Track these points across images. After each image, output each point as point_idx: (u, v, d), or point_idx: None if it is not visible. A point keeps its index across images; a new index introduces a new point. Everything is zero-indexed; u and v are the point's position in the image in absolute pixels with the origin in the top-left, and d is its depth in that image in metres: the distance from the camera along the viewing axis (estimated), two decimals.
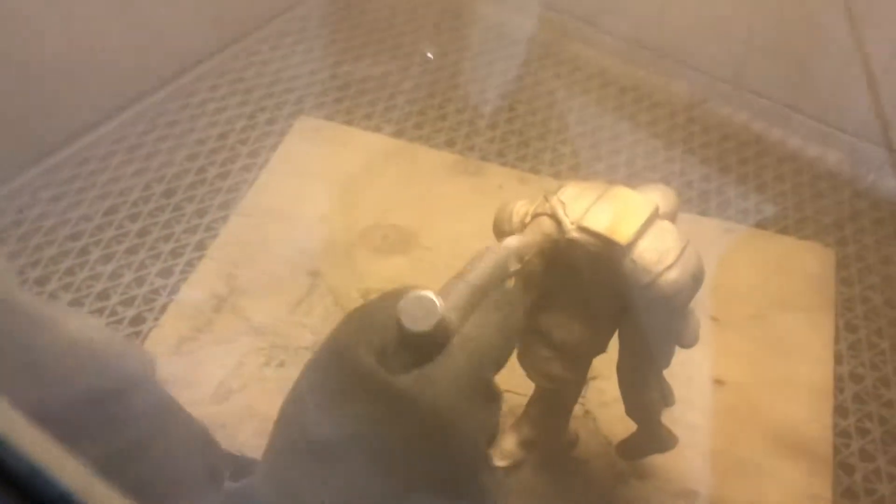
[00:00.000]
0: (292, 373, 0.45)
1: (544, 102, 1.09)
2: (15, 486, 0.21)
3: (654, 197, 0.56)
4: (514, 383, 0.70)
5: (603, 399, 0.76)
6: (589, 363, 0.63)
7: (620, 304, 0.57)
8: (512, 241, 0.51)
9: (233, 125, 1.04)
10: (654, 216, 0.55)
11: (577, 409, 0.69)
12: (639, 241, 0.54)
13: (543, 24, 1.19)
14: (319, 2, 1.23)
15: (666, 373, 0.61)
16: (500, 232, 0.60)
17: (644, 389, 0.61)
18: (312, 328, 0.81)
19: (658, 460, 0.70)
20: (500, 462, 0.66)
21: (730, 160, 1.03)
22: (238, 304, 0.84)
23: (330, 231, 0.91)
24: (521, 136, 1.05)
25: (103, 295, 0.86)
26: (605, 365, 0.63)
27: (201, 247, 0.90)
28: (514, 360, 0.63)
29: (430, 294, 0.39)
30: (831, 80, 1.00)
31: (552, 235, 0.56)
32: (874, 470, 0.75)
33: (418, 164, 0.99)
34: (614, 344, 0.61)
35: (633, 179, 0.99)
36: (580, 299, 0.58)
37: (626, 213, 0.54)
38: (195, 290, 0.85)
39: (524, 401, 0.67)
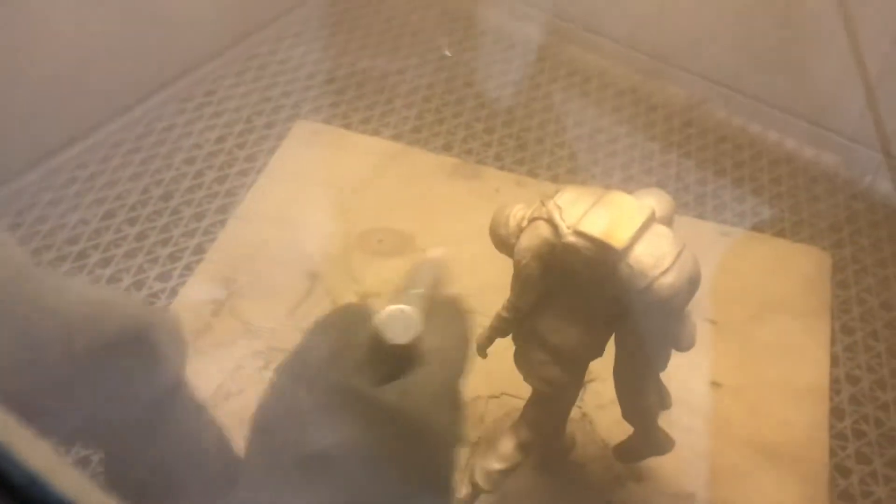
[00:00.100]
0: None
1: (542, 106, 1.10)
2: (13, 494, 0.21)
3: (650, 201, 0.57)
4: (512, 386, 0.70)
5: (600, 402, 0.76)
6: (585, 367, 0.63)
7: (617, 308, 0.57)
8: (438, 251, 0.53)
9: (230, 129, 1.04)
10: (651, 221, 0.55)
11: (575, 412, 0.69)
12: (635, 245, 0.54)
13: (541, 28, 1.19)
14: (316, 7, 1.23)
15: (662, 376, 0.61)
16: (497, 236, 0.60)
17: (641, 393, 0.61)
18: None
19: (655, 463, 0.70)
20: (498, 465, 0.66)
21: (726, 163, 1.03)
22: (236, 307, 0.84)
23: (328, 234, 0.91)
24: (518, 139, 1.05)
25: None
26: (603, 368, 0.63)
27: (199, 250, 0.90)
28: (512, 363, 0.63)
29: (408, 308, 0.40)
30: (827, 84, 1.00)
31: (549, 240, 0.56)
32: (870, 472, 0.76)
33: (416, 168, 0.99)
34: (611, 347, 0.61)
35: (629, 182, 0.99)
36: (577, 303, 0.59)
37: (623, 218, 0.54)
38: (193, 294, 0.85)
39: (521, 404, 0.67)
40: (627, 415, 0.64)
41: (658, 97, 1.11)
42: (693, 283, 0.55)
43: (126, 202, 0.95)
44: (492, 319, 0.62)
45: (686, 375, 0.77)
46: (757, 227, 0.96)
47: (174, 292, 0.86)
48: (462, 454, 0.48)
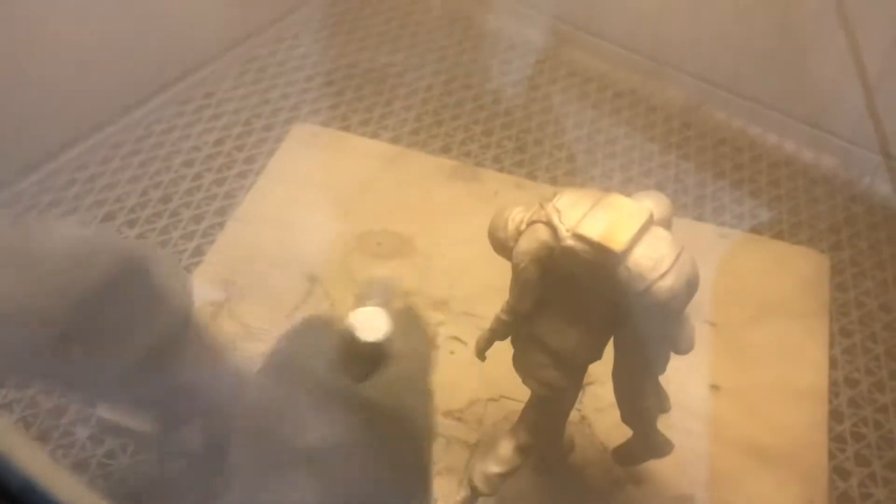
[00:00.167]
0: None
1: (540, 108, 1.10)
2: (8, 500, 0.21)
3: (649, 204, 0.56)
4: (511, 389, 0.70)
5: (599, 405, 0.76)
6: (584, 369, 0.63)
7: (615, 311, 0.57)
8: (381, 271, 0.55)
9: (229, 131, 1.04)
10: (649, 223, 0.55)
11: (574, 415, 0.69)
12: (634, 248, 0.54)
13: (540, 30, 1.19)
14: (315, 9, 1.23)
15: (661, 379, 0.61)
16: (496, 238, 0.60)
17: (640, 395, 0.61)
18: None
19: (654, 466, 0.70)
20: (496, 468, 0.66)
21: (725, 165, 1.03)
22: (235, 309, 0.84)
23: (327, 236, 0.91)
24: (517, 141, 1.05)
25: None
26: (602, 371, 0.63)
27: (198, 252, 0.90)
28: (511, 366, 0.63)
29: (377, 309, 0.44)
30: (826, 86, 1.00)
31: (548, 243, 0.56)
32: (869, 474, 0.76)
33: (414, 170, 0.99)
34: (610, 350, 0.61)
35: (628, 184, 0.99)
36: (576, 306, 0.59)
37: (621, 221, 0.54)
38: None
39: (520, 407, 0.67)
40: (626, 418, 0.64)
41: (657, 99, 1.11)
42: (691, 285, 0.55)
43: (125, 204, 0.95)
44: (491, 322, 0.62)
45: (685, 378, 0.77)
46: (756, 230, 0.96)
47: None
48: (434, 442, 0.52)
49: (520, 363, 0.63)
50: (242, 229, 0.92)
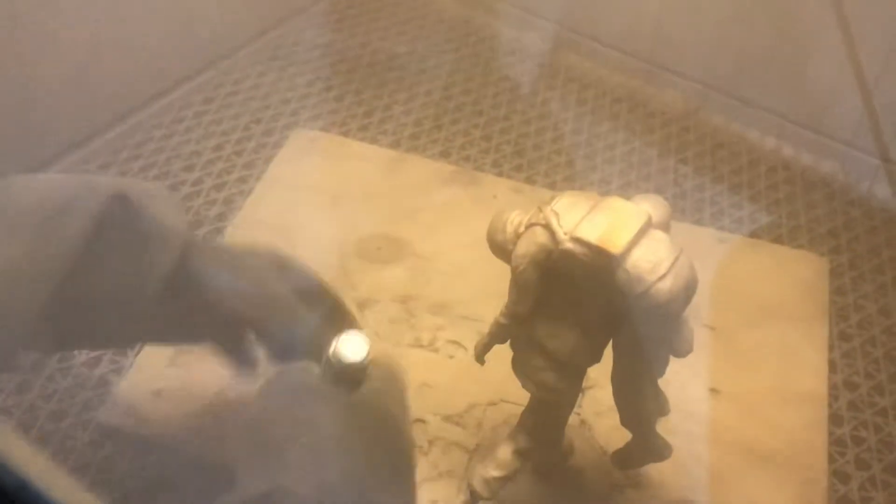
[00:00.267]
0: None
1: (539, 112, 1.10)
2: (4, 500, 0.21)
3: (647, 207, 0.57)
4: (510, 393, 0.70)
5: (598, 409, 0.76)
6: (583, 373, 0.63)
7: (614, 314, 0.58)
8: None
9: (228, 137, 1.04)
10: (647, 226, 0.55)
11: (573, 419, 0.69)
12: (632, 250, 0.54)
13: (539, 35, 1.19)
14: (315, 14, 1.23)
15: (661, 382, 0.61)
16: (494, 241, 0.60)
17: (638, 399, 0.61)
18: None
19: (653, 469, 0.70)
20: (496, 472, 0.66)
21: (723, 169, 1.03)
22: None
23: (325, 242, 0.91)
24: (516, 146, 1.05)
25: None
26: (601, 374, 0.63)
27: None
28: (510, 370, 0.63)
29: (359, 333, 0.50)
30: (824, 90, 1.00)
31: (546, 245, 0.56)
32: (869, 478, 0.76)
33: (414, 175, 0.99)
34: (609, 353, 0.61)
35: (627, 189, 1.00)
36: (574, 309, 0.59)
37: (619, 224, 0.55)
38: None
39: (520, 410, 0.67)
40: (626, 421, 0.64)
41: (655, 104, 1.12)
42: (690, 288, 0.55)
43: None
44: (489, 326, 0.62)
45: (684, 381, 0.77)
46: (754, 234, 0.96)
47: None
48: (417, 454, 0.59)
49: (518, 367, 0.63)
50: (242, 235, 0.92)
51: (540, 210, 0.57)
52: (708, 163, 1.04)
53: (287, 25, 1.20)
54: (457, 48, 1.19)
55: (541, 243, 0.56)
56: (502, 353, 0.63)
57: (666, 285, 0.53)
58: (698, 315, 0.83)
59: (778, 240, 0.95)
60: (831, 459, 0.76)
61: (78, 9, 0.93)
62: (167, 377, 0.77)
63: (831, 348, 0.84)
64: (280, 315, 0.57)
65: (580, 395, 0.73)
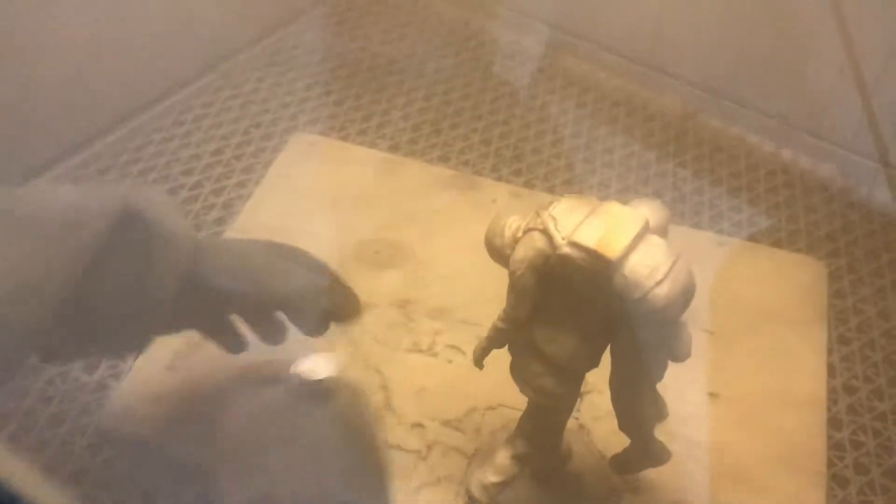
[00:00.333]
0: None
1: (538, 117, 1.10)
2: None
3: (644, 211, 0.57)
4: (509, 398, 0.70)
5: (597, 413, 0.76)
6: (582, 377, 0.63)
7: (612, 319, 0.58)
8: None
9: (228, 141, 1.04)
10: (645, 231, 0.55)
11: (571, 423, 0.69)
12: (629, 255, 0.54)
13: (538, 39, 1.20)
14: (314, 18, 1.24)
15: (659, 386, 0.61)
16: (493, 246, 0.60)
17: (637, 403, 0.61)
18: (307, 344, 0.81)
19: (652, 474, 0.70)
20: (494, 477, 0.66)
21: (722, 173, 1.04)
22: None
23: (324, 246, 0.91)
24: (515, 150, 1.05)
25: None
26: (599, 379, 0.63)
27: None
28: (508, 374, 0.63)
29: (324, 355, 0.53)
30: (823, 93, 1.00)
31: (544, 250, 0.56)
32: (868, 482, 0.76)
33: (413, 179, 0.99)
34: (607, 358, 0.61)
35: (626, 193, 1.00)
36: (572, 314, 0.59)
37: (617, 229, 0.55)
38: None
39: (518, 415, 0.67)
40: (624, 426, 0.64)
41: (654, 107, 1.12)
42: (688, 293, 0.55)
43: None
44: (488, 330, 0.62)
45: (683, 386, 0.77)
46: (753, 237, 0.96)
47: None
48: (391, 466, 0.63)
49: (517, 371, 0.63)
50: None
51: (538, 215, 0.57)
52: (707, 166, 1.04)
53: (286, 29, 1.20)
54: (456, 52, 1.19)
55: (539, 248, 0.56)
56: (501, 358, 0.63)
57: (663, 290, 0.53)
58: (697, 319, 0.83)
59: (777, 243, 0.95)
60: (830, 464, 0.76)
61: (78, 11, 0.93)
62: (165, 382, 0.77)
63: (830, 352, 0.84)
64: (308, 295, 0.63)
65: (578, 399, 0.73)
